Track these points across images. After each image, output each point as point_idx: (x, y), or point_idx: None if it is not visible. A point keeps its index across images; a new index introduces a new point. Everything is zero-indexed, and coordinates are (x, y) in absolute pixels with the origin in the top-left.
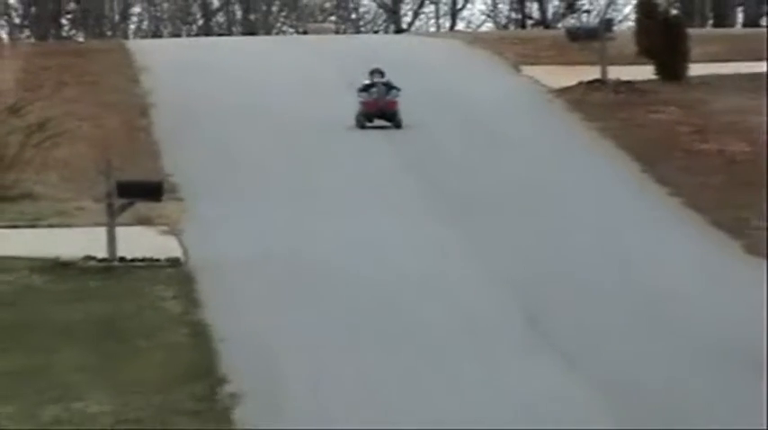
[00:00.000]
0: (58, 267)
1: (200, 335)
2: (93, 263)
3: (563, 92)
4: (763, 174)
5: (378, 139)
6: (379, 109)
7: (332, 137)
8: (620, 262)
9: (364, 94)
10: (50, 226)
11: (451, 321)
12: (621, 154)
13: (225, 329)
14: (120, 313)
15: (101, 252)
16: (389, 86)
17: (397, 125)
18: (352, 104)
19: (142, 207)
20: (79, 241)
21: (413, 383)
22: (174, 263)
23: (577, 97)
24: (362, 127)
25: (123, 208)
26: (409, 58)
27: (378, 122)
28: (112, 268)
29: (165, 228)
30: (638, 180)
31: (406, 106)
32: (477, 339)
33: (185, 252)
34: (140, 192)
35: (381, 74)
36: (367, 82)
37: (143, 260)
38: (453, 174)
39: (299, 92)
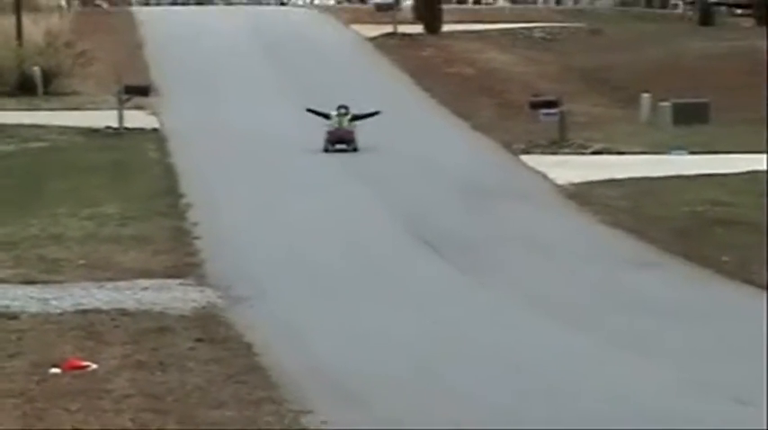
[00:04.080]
0: (90, 132)
1: (169, 171)
2: (110, 130)
3: (372, 39)
4: None
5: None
6: (339, 137)
7: (245, 57)
8: (388, 121)
9: (329, 122)
10: (87, 109)
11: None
12: (403, 74)
13: (183, 167)
14: (125, 158)
15: (115, 124)
16: (350, 118)
17: (354, 149)
18: (247, 43)
19: (138, 99)
20: (103, 118)
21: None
22: (155, 131)
23: (380, 42)
24: (327, 151)
25: (127, 100)
26: (286, 19)
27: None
28: (121, 133)
29: (150, 111)
30: (410, 87)
31: (279, 45)
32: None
33: (162, 124)
34: (137, 91)
35: (346, 108)
36: (332, 112)
37: (138, 129)
38: (298, 73)
39: (222, 34)
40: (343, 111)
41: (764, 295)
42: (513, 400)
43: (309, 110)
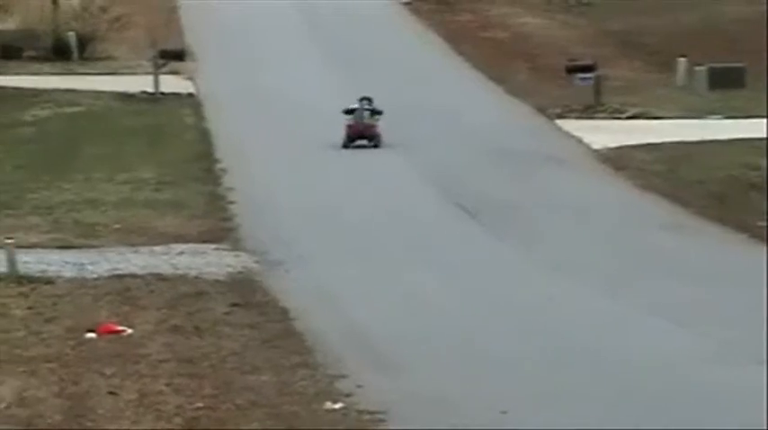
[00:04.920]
0: (126, 97)
1: (204, 135)
2: (146, 95)
3: (407, 4)
4: None
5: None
6: (360, 131)
7: (281, 21)
8: (424, 86)
9: (349, 117)
10: (122, 74)
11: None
12: (438, 38)
13: (218, 132)
14: (160, 123)
15: (150, 89)
16: (373, 111)
17: (376, 145)
18: (283, 7)
19: (173, 64)
20: (139, 83)
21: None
22: (191, 96)
23: (415, 7)
24: (346, 147)
25: (163, 64)
26: None
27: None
28: (157, 98)
29: (185, 75)
30: (445, 51)
31: (314, 9)
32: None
33: (197, 89)
34: (172, 55)
35: (369, 101)
36: (353, 106)
37: (174, 94)
38: (333, 38)
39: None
40: (365, 104)
41: None
42: (549, 366)
43: (346, 111)
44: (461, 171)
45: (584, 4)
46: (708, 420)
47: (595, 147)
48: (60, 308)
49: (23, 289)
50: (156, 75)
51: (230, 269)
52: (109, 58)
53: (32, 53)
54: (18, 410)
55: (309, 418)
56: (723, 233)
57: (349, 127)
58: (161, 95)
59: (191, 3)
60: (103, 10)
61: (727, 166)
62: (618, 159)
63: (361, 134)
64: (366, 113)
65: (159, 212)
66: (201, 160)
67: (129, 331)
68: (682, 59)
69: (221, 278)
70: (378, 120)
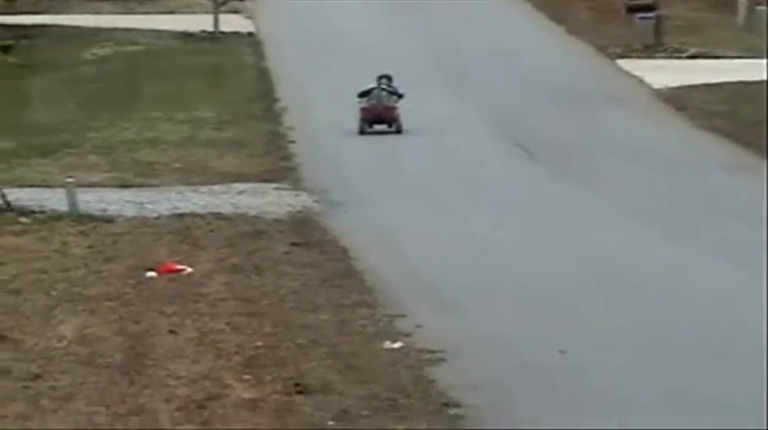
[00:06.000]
0: (186, 36)
1: (264, 75)
2: (205, 34)
3: None
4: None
5: None
6: (378, 115)
7: None
8: (484, 27)
9: (363, 99)
10: (181, 13)
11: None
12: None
13: (278, 72)
14: (220, 62)
15: (210, 28)
16: (391, 92)
17: (398, 130)
18: None
19: (233, 3)
20: (198, 22)
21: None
22: (251, 35)
23: None
24: (362, 133)
25: (222, 3)
26: None
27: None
28: (216, 38)
29: (247, 14)
30: (533, 14)
31: None
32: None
33: (258, 29)
34: None
35: (389, 79)
36: (369, 86)
37: (234, 33)
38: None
39: None
40: (384, 82)
41: None
42: (608, 308)
43: (361, 93)
44: (521, 111)
45: None
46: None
47: (656, 86)
48: (120, 247)
49: (83, 228)
50: (215, 14)
51: (290, 208)
52: None
53: None
54: (78, 348)
55: (368, 357)
56: None
57: (364, 110)
58: (220, 35)
59: None
60: None
61: None
62: (678, 99)
63: (380, 118)
64: (384, 95)
65: (219, 151)
66: (261, 99)
67: (190, 270)
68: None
69: (281, 217)
70: (397, 101)
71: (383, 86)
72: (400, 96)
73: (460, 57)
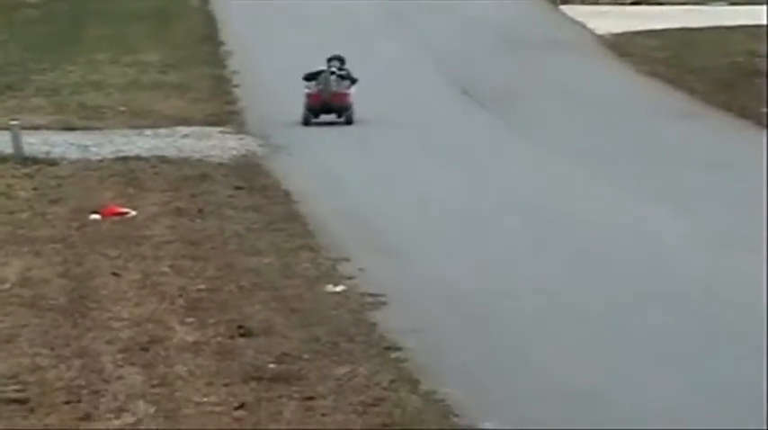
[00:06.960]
0: None
1: (210, 19)
2: None
3: None
4: None
5: None
6: (326, 102)
7: None
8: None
9: (311, 83)
10: None
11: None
12: None
13: (223, 15)
14: (165, 5)
15: None
16: (342, 77)
17: (348, 120)
18: None
19: None
20: None
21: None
22: None
23: None
24: (306, 123)
25: None
26: None
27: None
28: None
29: None
30: None
31: None
32: None
33: None
34: None
35: (341, 61)
36: (318, 68)
37: None
38: None
39: None
40: (335, 65)
41: None
42: (547, 252)
43: (307, 76)
44: (467, 57)
45: None
46: (702, 307)
47: (599, 32)
48: (65, 189)
49: (28, 170)
50: None
51: (234, 152)
52: None
53: None
54: (22, 290)
55: (311, 301)
56: (727, 119)
57: (310, 96)
58: None
59: None
60: None
61: (732, 53)
62: (622, 45)
63: (327, 106)
64: (334, 79)
65: (164, 95)
66: (206, 43)
67: (133, 213)
68: None
69: (225, 161)
70: (349, 86)
71: (333, 69)
72: (353, 81)
73: (401, 8)
